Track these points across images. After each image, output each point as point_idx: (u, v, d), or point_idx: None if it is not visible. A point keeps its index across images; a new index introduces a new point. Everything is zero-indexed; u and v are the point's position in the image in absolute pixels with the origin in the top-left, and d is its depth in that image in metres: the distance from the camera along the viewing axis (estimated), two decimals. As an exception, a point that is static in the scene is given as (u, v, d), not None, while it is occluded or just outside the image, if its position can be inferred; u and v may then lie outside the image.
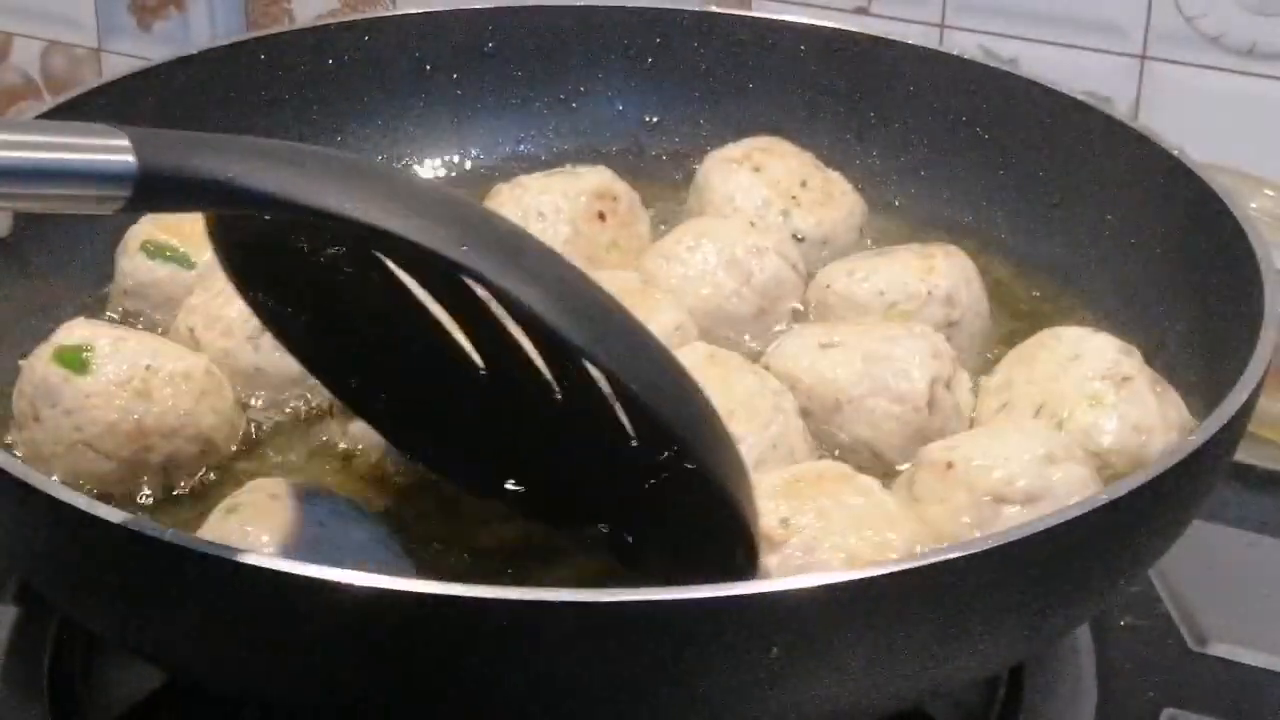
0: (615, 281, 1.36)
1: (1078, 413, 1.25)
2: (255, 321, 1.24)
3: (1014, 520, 1.15)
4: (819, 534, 1.12)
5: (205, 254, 1.35)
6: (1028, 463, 1.17)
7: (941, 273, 1.40)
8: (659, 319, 1.32)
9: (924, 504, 1.18)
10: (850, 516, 1.13)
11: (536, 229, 1.45)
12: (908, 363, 1.28)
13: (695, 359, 1.26)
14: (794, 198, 1.51)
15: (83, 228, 1.49)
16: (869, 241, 1.54)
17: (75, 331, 1.26)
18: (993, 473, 1.16)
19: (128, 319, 1.41)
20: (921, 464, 1.21)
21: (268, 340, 1.27)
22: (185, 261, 1.39)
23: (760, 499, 1.13)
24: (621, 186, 1.52)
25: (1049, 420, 1.25)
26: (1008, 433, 1.21)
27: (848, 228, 1.53)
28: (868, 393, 1.28)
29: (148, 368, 1.24)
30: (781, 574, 1.11)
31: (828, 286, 1.41)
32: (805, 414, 1.28)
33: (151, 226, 1.41)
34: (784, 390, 1.27)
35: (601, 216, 1.49)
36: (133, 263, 1.40)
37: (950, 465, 1.18)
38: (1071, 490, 1.16)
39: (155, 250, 1.39)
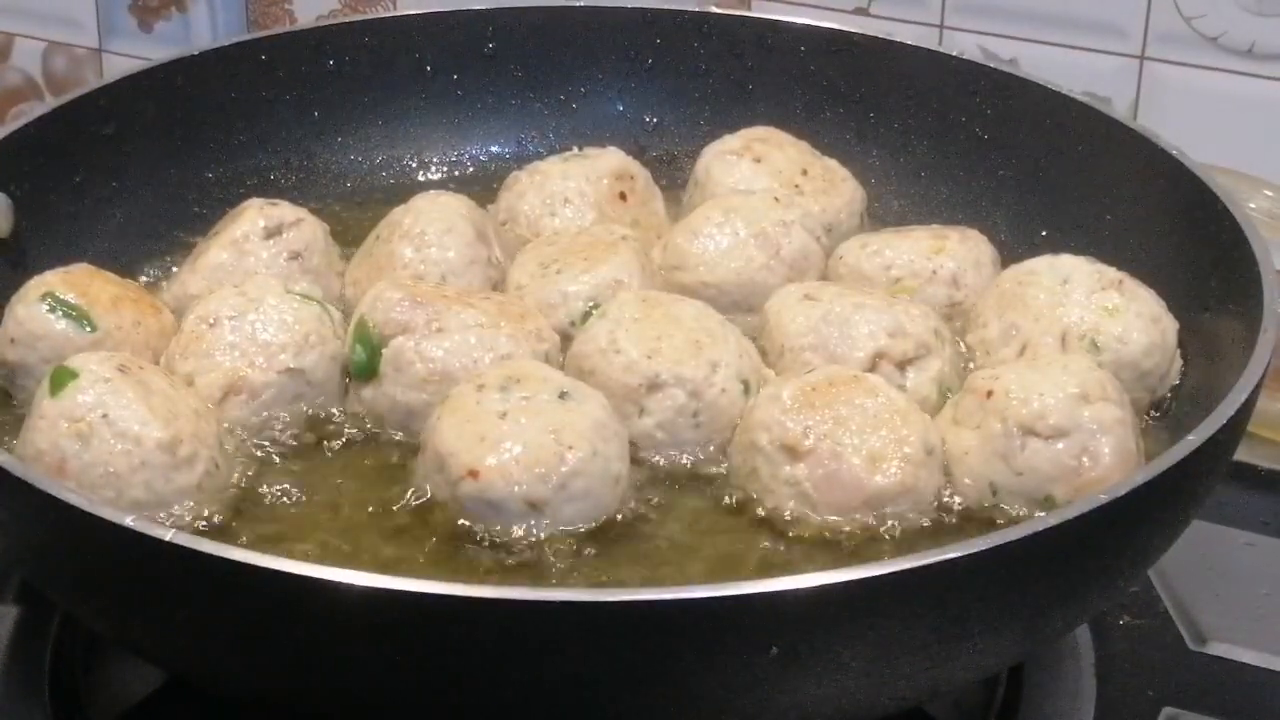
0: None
1: (1104, 326, 1.30)
2: None
3: (1038, 455, 1.20)
4: (841, 440, 1.20)
5: (107, 318, 1.31)
6: (1061, 399, 1.21)
7: (951, 254, 1.42)
8: (600, 270, 1.37)
9: (962, 427, 1.24)
10: (866, 419, 1.21)
11: (565, 215, 1.49)
12: (860, 331, 1.30)
13: (631, 306, 1.30)
14: (796, 186, 1.52)
15: (84, 228, 1.50)
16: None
17: (91, 359, 1.22)
18: (1026, 405, 1.21)
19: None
20: (967, 389, 1.26)
21: None
22: (85, 321, 1.31)
23: (779, 412, 1.21)
24: (635, 165, 1.55)
25: (1078, 343, 1.29)
26: (1051, 368, 1.24)
27: (850, 213, 1.54)
28: (808, 346, 1.31)
29: (104, 416, 1.19)
30: (811, 481, 1.19)
31: (840, 258, 1.45)
32: (762, 353, 1.33)
33: (56, 278, 1.33)
34: (714, 312, 1.32)
35: (623, 197, 1.52)
36: (29, 310, 1.31)
37: (990, 393, 1.23)
38: (1101, 428, 1.20)
39: (56, 303, 1.31)
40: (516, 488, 1.17)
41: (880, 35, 1.65)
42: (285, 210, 1.44)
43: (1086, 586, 1.12)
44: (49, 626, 1.32)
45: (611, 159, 1.54)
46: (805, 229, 1.44)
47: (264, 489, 1.25)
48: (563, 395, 1.21)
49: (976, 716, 1.29)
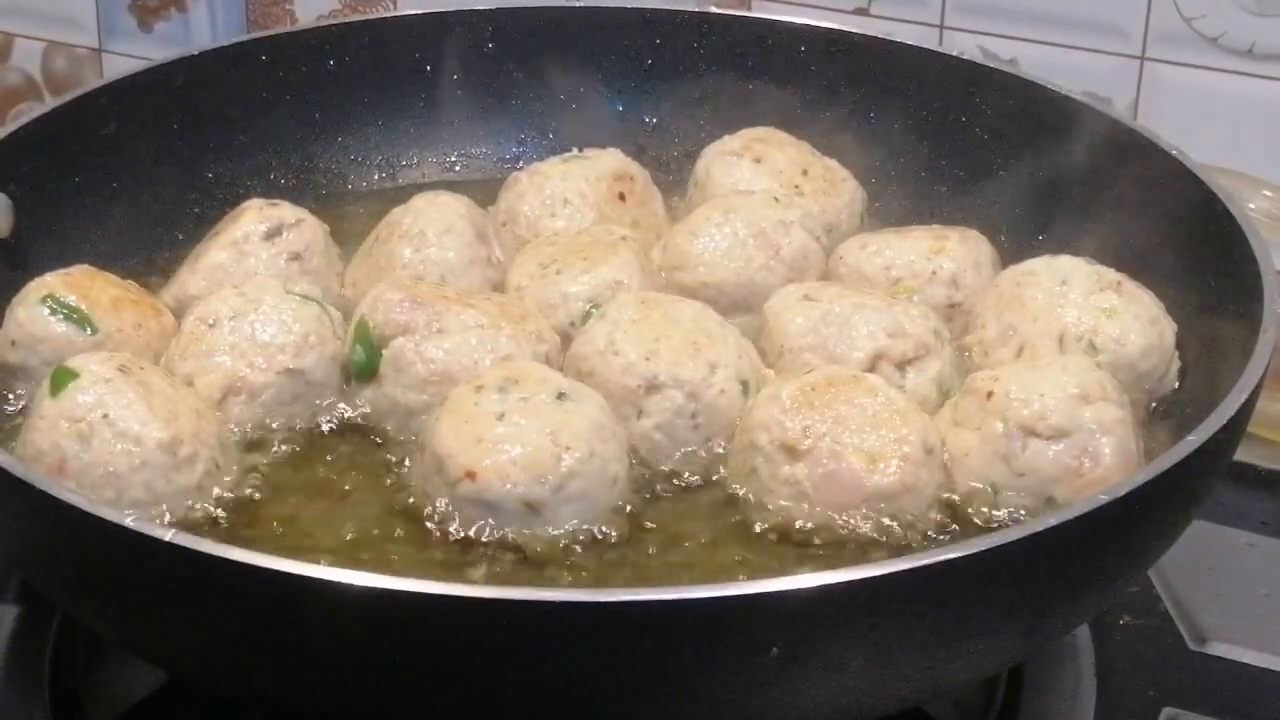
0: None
1: (1102, 327, 1.31)
2: None
3: (1039, 455, 1.20)
4: (840, 439, 1.20)
5: (108, 320, 1.31)
6: (1061, 400, 1.21)
7: (950, 254, 1.42)
8: (600, 271, 1.37)
9: (963, 428, 1.24)
10: (865, 418, 1.21)
11: (564, 215, 1.49)
12: (859, 331, 1.30)
13: (630, 307, 1.30)
14: (796, 186, 1.52)
15: (84, 228, 1.50)
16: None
17: (91, 359, 1.22)
18: (1027, 406, 1.21)
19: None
20: (966, 390, 1.26)
21: None
22: (86, 323, 1.31)
23: (778, 412, 1.21)
24: (635, 166, 1.56)
25: (1076, 344, 1.30)
26: (1050, 368, 1.25)
27: (850, 214, 1.55)
28: (808, 347, 1.31)
29: (105, 416, 1.19)
30: (811, 480, 1.19)
31: (840, 258, 1.45)
32: (762, 354, 1.33)
33: (56, 280, 1.34)
34: (714, 313, 1.32)
35: (622, 197, 1.53)
36: (29, 313, 1.31)
37: (990, 394, 1.23)
38: (1101, 429, 1.20)
39: (57, 306, 1.31)
40: (513, 489, 1.17)
41: (880, 35, 1.65)
42: (285, 211, 1.44)
43: (1086, 586, 1.12)
44: (49, 626, 1.32)
45: (611, 159, 1.54)
46: (805, 229, 1.44)
47: (264, 489, 1.25)
48: (560, 396, 1.21)
49: (976, 716, 1.29)
